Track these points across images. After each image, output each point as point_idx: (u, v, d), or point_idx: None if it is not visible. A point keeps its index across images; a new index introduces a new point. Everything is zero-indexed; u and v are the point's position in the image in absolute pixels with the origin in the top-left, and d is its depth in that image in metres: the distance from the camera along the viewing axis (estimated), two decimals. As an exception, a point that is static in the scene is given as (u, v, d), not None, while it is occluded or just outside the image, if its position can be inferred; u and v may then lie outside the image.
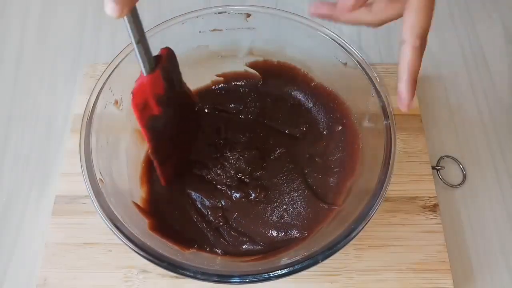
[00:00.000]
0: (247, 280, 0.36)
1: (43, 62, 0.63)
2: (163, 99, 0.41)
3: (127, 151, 0.47)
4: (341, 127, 0.50)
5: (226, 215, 0.48)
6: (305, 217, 0.47)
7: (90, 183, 0.40)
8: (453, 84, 0.61)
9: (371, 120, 0.45)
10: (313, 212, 0.47)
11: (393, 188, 0.51)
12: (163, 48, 0.41)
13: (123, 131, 0.48)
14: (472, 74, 0.62)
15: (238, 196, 0.48)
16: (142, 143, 0.49)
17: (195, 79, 0.52)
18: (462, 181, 0.54)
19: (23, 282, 0.49)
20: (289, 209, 0.47)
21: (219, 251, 0.45)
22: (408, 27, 0.37)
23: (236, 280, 0.36)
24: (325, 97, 0.52)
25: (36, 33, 0.66)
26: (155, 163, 0.45)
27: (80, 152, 0.41)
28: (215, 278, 0.36)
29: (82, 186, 0.40)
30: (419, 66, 0.37)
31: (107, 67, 0.45)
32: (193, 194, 0.48)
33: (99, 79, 0.44)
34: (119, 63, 0.45)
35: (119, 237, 0.38)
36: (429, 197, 0.51)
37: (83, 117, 0.43)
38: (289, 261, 0.38)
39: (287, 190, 0.48)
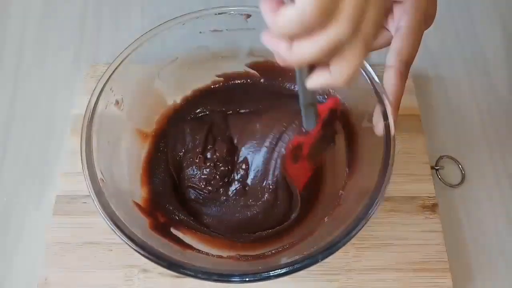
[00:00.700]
0: (247, 279, 0.37)
1: (43, 62, 0.63)
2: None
3: (127, 151, 0.47)
4: (340, 127, 0.50)
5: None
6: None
7: (91, 183, 0.40)
8: (452, 84, 0.61)
9: (371, 120, 0.45)
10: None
11: (393, 188, 0.51)
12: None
13: (124, 131, 0.48)
14: (472, 74, 0.62)
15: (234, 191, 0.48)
16: (142, 143, 0.49)
17: (195, 79, 0.52)
18: (461, 181, 0.55)
19: (24, 282, 0.50)
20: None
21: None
22: (395, 53, 0.38)
23: (236, 279, 0.37)
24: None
25: (36, 33, 0.66)
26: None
27: (81, 152, 0.41)
28: (215, 277, 0.37)
29: (82, 186, 0.40)
30: (403, 91, 0.39)
31: (108, 67, 0.45)
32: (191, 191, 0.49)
33: (100, 79, 0.44)
34: (120, 63, 0.45)
35: (119, 237, 0.38)
36: (429, 197, 0.51)
37: (84, 117, 0.43)
38: (288, 260, 0.38)
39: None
